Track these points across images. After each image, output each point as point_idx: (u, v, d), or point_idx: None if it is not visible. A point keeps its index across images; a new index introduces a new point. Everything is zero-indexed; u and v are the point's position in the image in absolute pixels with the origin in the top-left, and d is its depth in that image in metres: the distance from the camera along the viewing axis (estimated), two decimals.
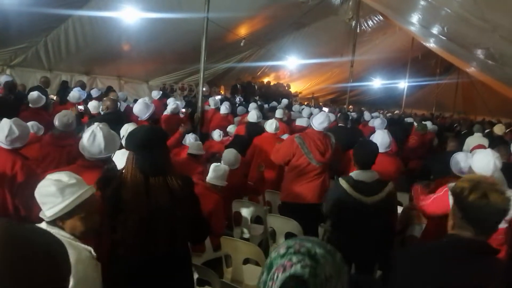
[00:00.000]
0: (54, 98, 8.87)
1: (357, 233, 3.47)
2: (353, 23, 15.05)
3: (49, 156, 4.58)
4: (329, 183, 5.01)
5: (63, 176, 2.07)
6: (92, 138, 2.95)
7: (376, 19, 16.52)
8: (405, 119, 13.47)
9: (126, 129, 4.01)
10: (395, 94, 22.66)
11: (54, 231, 1.98)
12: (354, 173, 3.56)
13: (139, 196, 2.43)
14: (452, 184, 2.07)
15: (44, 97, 6.85)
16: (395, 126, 9.72)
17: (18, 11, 8.71)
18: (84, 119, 6.56)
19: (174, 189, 2.46)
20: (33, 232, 0.97)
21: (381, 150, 4.52)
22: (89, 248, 2.01)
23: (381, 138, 4.82)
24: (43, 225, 2.04)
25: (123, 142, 3.93)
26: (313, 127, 5.06)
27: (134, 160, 2.45)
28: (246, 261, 3.99)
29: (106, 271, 2.22)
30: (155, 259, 2.49)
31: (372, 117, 11.20)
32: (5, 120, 3.38)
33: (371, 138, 4.97)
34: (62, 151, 4.56)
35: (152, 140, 2.50)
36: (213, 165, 4.52)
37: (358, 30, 15.28)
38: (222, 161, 5.07)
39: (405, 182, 5.50)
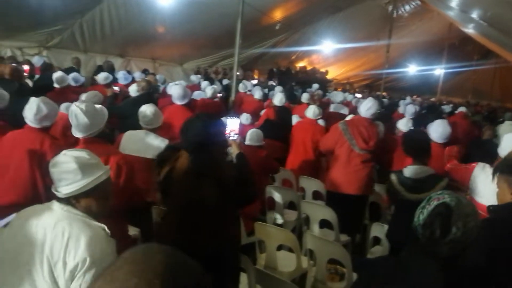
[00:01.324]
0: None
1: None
2: (390, 7, 14.70)
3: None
4: (374, 174, 4.89)
5: (84, 154, 2.03)
6: (74, 118, 3.07)
7: (413, 4, 16.20)
8: (441, 107, 13.09)
9: (145, 110, 4.00)
10: (430, 80, 22.08)
11: (67, 208, 1.96)
12: (406, 168, 3.38)
13: (187, 194, 2.39)
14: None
15: (68, 77, 6.92)
16: (430, 114, 9.42)
17: None
18: (117, 100, 6.59)
19: (227, 181, 2.39)
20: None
21: (439, 140, 4.37)
22: (103, 225, 1.96)
23: (442, 128, 4.59)
24: (56, 204, 2.00)
25: (142, 121, 3.95)
26: (360, 114, 4.93)
27: (190, 158, 2.40)
28: (279, 248, 3.93)
29: None
30: (201, 254, 2.42)
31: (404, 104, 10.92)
32: (33, 98, 3.34)
33: (429, 127, 4.76)
34: None
35: (208, 139, 2.45)
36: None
37: (394, 15, 14.93)
38: (247, 139, 5.18)
39: None
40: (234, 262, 2.65)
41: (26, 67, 7.52)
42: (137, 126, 4.09)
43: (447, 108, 12.75)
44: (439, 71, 19.01)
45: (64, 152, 2.01)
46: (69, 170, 1.95)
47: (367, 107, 4.84)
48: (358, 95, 13.70)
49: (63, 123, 4.47)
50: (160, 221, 2.51)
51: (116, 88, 6.60)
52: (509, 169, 2.30)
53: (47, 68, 8.39)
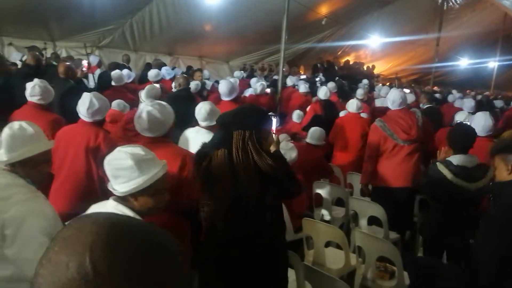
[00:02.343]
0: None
1: (456, 221, 3.29)
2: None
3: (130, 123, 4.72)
4: (421, 165, 4.80)
5: (139, 150, 1.97)
6: (138, 116, 2.91)
7: None
8: (493, 101, 12.59)
9: (200, 107, 4.00)
10: (483, 74, 21.22)
11: (120, 207, 1.94)
12: (454, 158, 3.34)
13: (227, 188, 2.37)
14: None
15: (125, 75, 7.13)
16: (485, 109, 9.11)
17: None
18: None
19: (265, 171, 2.33)
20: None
21: (482, 133, 4.25)
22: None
23: (483, 120, 4.45)
24: (111, 201, 1.99)
25: (199, 119, 3.97)
26: (390, 108, 4.88)
27: (226, 152, 2.37)
28: (327, 244, 3.91)
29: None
30: (244, 248, 2.43)
31: (457, 98, 10.60)
32: (85, 94, 3.48)
33: (471, 120, 4.66)
34: None
35: (236, 119, 2.42)
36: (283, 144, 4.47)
37: (445, 7, 14.45)
38: (308, 138, 5.20)
39: None
40: (281, 255, 2.64)
41: (85, 63, 7.81)
42: (178, 123, 4.15)
43: (498, 103, 12.26)
44: (492, 64, 18.27)
45: (118, 148, 1.98)
46: (125, 167, 1.92)
47: (392, 100, 4.84)
48: (407, 90, 13.34)
49: (124, 120, 4.64)
50: (204, 216, 2.51)
51: (157, 85, 6.75)
52: (505, 148, 2.54)
53: (116, 67, 8.67)
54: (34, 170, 2.24)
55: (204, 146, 2.53)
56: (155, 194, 2.00)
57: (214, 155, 2.41)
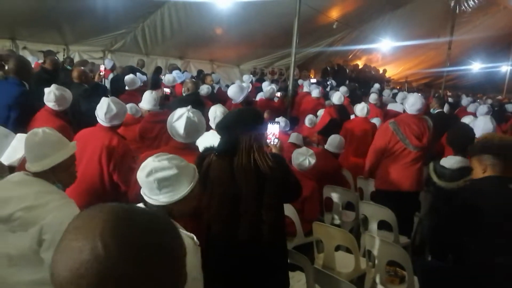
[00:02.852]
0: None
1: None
2: (452, 2, 14.17)
3: (148, 132, 4.77)
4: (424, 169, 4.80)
5: (175, 158, 1.95)
6: (176, 121, 2.90)
7: None
8: (505, 105, 12.48)
9: (214, 110, 4.02)
10: (495, 78, 21.04)
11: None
12: (444, 159, 3.50)
13: (224, 185, 2.42)
14: None
15: (138, 80, 7.18)
16: (496, 113, 9.05)
17: None
18: (169, 100, 6.78)
19: (264, 171, 2.39)
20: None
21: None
22: (191, 235, 1.86)
23: (483, 123, 4.49)
24: None
25: (212, 124, 4.00)
26: (407, 111, 4.87)
27: (221, 141, 2.46)
28: (337, 248, 3.92)
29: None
30: (241, 247, 2.46)
31: (470, 103, 10.55)
32: (104, 99, 3.53)
33: (472, 124, 4.68)
34: (156, 127, 4.72)
35: (235, 125, 2.46)
36: (295, 152, 4.48)
37: (457, 11, 14.37)
38: (328, 145, 5.22)
39: None
40: (282, 257, 2.66)
41: (102, 67, 7.88)
42: None
43: (510, 107, 12.15)
44: (505, 68, 18.11)
45: (152, 159, 1.92)
46: (170, 176, 1.88)
47: (411, 103, 4.78)
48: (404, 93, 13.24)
49: (142, 127, 4.68)
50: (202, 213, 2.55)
51: (167, 89, 6.80)
52: (479, 149, 2.62)
53: (130, 71, 8.80)
54: (66, 173, 2.32)
55: (205, 150, 2.59)
56: (192, 199, 2.00)
57: (215, 159, 2.47)
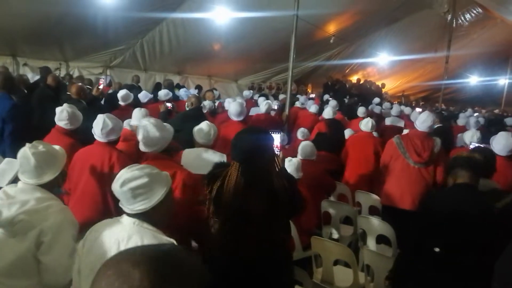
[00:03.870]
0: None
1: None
2: (449, 16, 14.28)
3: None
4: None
5: (145, 167, 2.07)
6: (144, 131, 3.14)
7: (474, 12, 15.53)
8: (504, 119, 12.49)
9: (200, 128, 4.07)
10: (493, 92, 21.12)
11: (138, 223, 2.00)
12: None
13: (237, 205, 2.42)
14: None
15: (132, 94, 7.22)
16: (495, 127, 9.07)
17: (117, 15, 9.30)
18: (171, 115, 6.81)
19: (279, 191, 2.41)
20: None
21: (503, 153, 4.25)
22: (172, 240, 1.96)
23: (504, 140, 4.44)
24: (126, 219, 2.04)
25: (198, 138, 4.03)
26: (416, 127, 4.87)
27: (240, 169, 2.44)
28: (335, 263, 3.90)
29: None
30: (251, 265, 2.46)
31: (465, 116, 10.57)
32: (99, 115, 3.59)
33: (492, 140, 4.65)
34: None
35: (256, 151, 2.46)
36: (286, 160, 4.48)
37: (454, 25, 14.47)
38: (299, 154, 5.11)
39: None
40: (287, 273, 2.66)
41: (101, 81, 7.95)
42: (186, 140, 4.22)
43: (509, 120, 12.17)
44: (503, 81, 18.19)
45: (125, 170, 2.04)
46: (142, 185, 1.98)
47: (422, 119, 4.79)
48: (418, 109, 13.23)
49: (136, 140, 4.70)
50: (214, 233, 2.56)
51: (169, 104, 6.84)
52: (452, 167, 2.99)
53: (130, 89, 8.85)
54: (61, 177, 2.48)
55: (216, 166, 2.60)
56: (168, 204, 2.10)
57: (226, 174, 2.47)
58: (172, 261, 0.87)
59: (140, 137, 3.17)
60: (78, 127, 4.19)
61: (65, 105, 4.12)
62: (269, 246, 2.46)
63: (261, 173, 2.45)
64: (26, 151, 2.35)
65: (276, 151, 2.87)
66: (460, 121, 9.30)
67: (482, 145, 5.14)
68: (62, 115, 4.03)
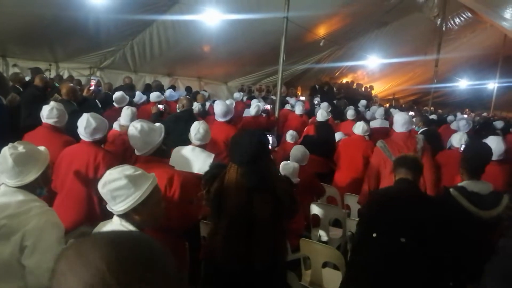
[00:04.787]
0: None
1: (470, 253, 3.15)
2: (439, 20, 14.36)
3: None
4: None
5: (129, 168, 2.09)
6: (131, 136, 3.11)
7: (464, 16, 15.61)
8: (493, 123, 12.55)
9: (197, 127, 4.08)
10: (482, 95, 21.26)
11: (124, 224, 2.04)
12: (466, 183, 3.21)
13: (242, 209, 2.45)
14: None
15: (127, 97, 7.18)
16: (484, 130, 9.12)
17: (107, 17, 9.28)
18: (163, 117, 6.78)
19: (280, 194, 2.45)
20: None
21: (494, 157, 4.20)
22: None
23: (495, 144, 4.36)
24: (115, 219, 2.08)
25: (193, 137, 4.02)
26: (395, 130, 4.91)
27: (240, 172, 2.46)
28: (324, 265, 3.90)
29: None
30: (253, 268, 2.48)
31: (455, 120, 10.65)
32: (84, 114, 3.61)
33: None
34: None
35: (258, 154, 2.50)
36: (282, 163, 4.48)
37: (444, 28, 14.55)
38: (290, 158, 5.07)
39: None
40: (282, 277, 2.67)
41: (92, 82, 7.90)
42: (178, 142, 4.21)
43: (498, 123, 12.24)
44: (492, 85, 18.35)
45: (109, 172, 2.08)
46: (121, 186, 2.01)
47: (399, 121, 4.87)
48: (411, 113, 13.16)
49: (122, 142, 4.70)
50: (212, 235, 2.56)
51: (160, 106, 6.81)
52: (395, 167, 3.24)
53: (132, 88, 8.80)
54: (44, 176, 2.41)
55: (214, 167, 2.61)
56: (152, 205, 2.10)
57: (224, 175, 2.50)
58: (133, 246, 0.89)
59: (130, 141, 3.16)
60: (64, 126, 4.18)
61: (52, 103, 4.14)
62: (273, 249, 2.47)
63: (264, 176, 2.46)
64: (5, 151, 2.31)
65: None
66: (453, 125, 9.35)
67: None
68: (51, 113, 4.03)
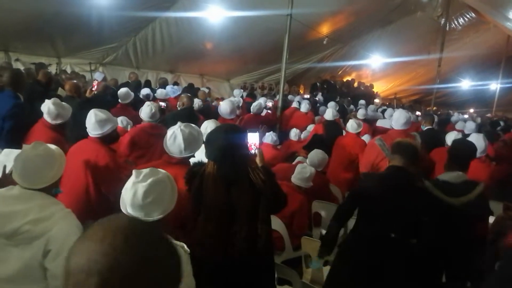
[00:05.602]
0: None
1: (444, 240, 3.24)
2: (442, 20, 14.33)
3: (142, 141, 4.82)
4: None
5: (165, 174, 2.14)
6: (173, 138, 3.03)
7: (468, 16, 15.55)
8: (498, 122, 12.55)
9: (206, 126, 4.05)
10: (485, 95, 21.19)
11: None
12: (441, 175, 3.40)
13: (219, 202, 2.50)
14: None
15: (132, 93, 7.15)
16: (487, 130, 9.13)
17: (110, 14, 9.27)
18: (164, 114, 6.77)
19: (257, 185, 2.48)
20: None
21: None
22: (182, 243, 1.95)
23: (475, 141, 4.39)
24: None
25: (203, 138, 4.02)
26: (393, 127, 4.94)
27: (216, 167, 2.52)
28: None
29: None
30: (235, 261, 2.51)
31: (460, 119, 10.64)
32: (91, 111, 3.63)
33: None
34: (151, 139, 4.74)
35: (231, 147, 2.53)
36: (299, 166, 4.49)
37: (447, 28, 14.52)
38: (307, 161, 5.02)
39: (499, 190, 5.11)
40: (269, 268, 2.69)
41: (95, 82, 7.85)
42: None
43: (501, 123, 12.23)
44: (495, 85, 18.31)
45: (148, 182, 2.05)
46: (166, 192, 2.09)
47: (396, 118, 4.94)
48: (418, 112, 13.10)
49: (129, 137, 4.70)
50: (190, 230, 2.59)
51: (162, 103, 6.81)
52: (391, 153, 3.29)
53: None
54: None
55: (194, 165, 2.65)
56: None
57: (203, 172, 2.55)
58: (141, 231, 0.97)
59: (179, 144, 3.04)
60: (66, 123, 4.17)
61: (47, 101, 4.09)
62: (254, 239, 2.51)
63: (237, 169, 2.52)
64: (26, 153, 2.26)
65: (254, 149, 2.87)
66: (458, 125, 9.35)
67: None
68: (45, 110, 4.03)
